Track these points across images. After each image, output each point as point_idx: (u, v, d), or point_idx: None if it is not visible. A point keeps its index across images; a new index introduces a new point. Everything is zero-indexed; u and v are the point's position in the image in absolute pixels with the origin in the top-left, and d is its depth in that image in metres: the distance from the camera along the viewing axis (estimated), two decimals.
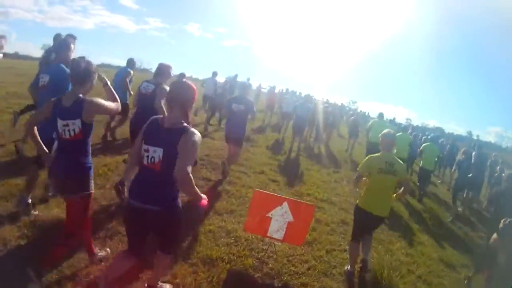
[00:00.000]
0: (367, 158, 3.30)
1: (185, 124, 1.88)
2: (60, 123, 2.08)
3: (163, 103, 3.48)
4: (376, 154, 3.25)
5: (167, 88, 3.36)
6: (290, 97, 11.53)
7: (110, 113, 2.48)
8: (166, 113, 3.38)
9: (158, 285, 2.30)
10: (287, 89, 12.97)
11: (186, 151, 1.78)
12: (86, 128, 2.12)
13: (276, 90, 13.25)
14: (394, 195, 3.27)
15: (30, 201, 3.00)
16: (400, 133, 7.71)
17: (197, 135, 1.86)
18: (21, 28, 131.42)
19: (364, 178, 3.19)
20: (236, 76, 10.18)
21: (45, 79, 3.02)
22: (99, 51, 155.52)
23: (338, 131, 15.37)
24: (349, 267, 3.23)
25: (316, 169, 7.13)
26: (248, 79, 11.48)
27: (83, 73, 2.13)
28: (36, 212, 2.99)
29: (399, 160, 3.23)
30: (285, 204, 2.96)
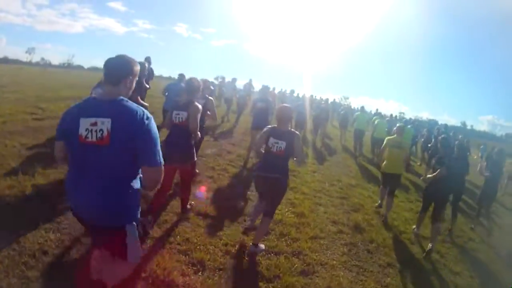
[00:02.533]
0: (387, 138, 5.31)
1: (292, 129, 3.25)
2: (174, 113, 3.26)
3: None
4: (392, 136, 5.27)
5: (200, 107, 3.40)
6: (290, 97, 14.55)
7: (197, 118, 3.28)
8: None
9: (258, 244, 3.20)
10: (291, 90, 15.51)
11: (299, 145, 3.13)
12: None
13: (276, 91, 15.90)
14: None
15: None
16: (378, 119, 10.74)
17: (299, 134, 3.25)
18: (11, 32, 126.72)
19: (382, 148, 5.33)
20: (250, 80, 12.86)
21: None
22: (89, 54, 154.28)
23: (331, 123, 17.72)
24: (379, 202, 5.39)
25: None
26: (251, 80, 12.97)
27: (196, 88, 3.36)
28: None
29: (405, 140, 5.58)
30: None
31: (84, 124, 1.53)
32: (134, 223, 1.64)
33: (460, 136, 11.48)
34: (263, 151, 3.20)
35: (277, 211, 4.19)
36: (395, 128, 5.42)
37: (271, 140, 3.09)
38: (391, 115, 15.05)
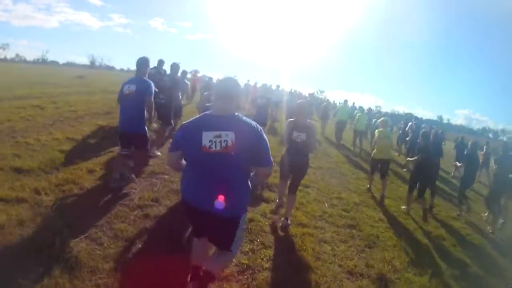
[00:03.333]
0: (377, 131, 6.38)
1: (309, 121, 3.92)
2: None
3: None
4: (381, 129, 6.26)
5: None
6: (276, 91, 14.42)
7: None
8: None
9: (288, 218, 3.74)
10: (277, 85, 15.06)
11: (314, 135, 3.82)
12: None
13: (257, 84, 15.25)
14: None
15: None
16: (360, 113, 11.32)
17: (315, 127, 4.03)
18: None
19: (374, 140, 6.27)
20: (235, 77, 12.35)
21: (132, 88, 3.82)
22: (65, 49, 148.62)
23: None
24: (367, 187, 6.27)
25: None
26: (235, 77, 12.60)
27: None
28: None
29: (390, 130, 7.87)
30: None
31: (207, 136, 1.85)
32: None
33: (433, 127, 12.38)
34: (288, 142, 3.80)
35: (270, 265, 2.92)
36: (379, 121, 6.51)
37: (295, 133, 3.71)
38: (369, 108, 15.64)
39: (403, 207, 5.60)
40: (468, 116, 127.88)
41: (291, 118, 3.92)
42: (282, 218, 3.75)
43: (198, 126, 1.90)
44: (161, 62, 6.77)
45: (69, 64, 64.59)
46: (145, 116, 3.92)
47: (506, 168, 5.95)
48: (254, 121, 6.98)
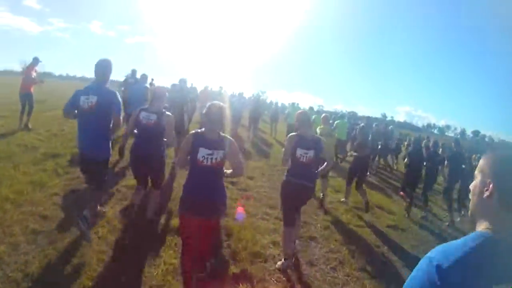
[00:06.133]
0: (318, 128, 5.77)
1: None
2: (204, 152, 2.33)
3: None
4: (322, 126, 5.81)
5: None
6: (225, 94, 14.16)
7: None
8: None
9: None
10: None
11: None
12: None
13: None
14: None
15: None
16: (338, 120, 10.32)
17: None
18: None
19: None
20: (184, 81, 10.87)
21: (92, 100, 2.92)
22: (5, 56, 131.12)
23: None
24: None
25: None
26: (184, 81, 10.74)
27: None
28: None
29: (330, 128, 6.58)
30: None
31: None
32: None
33: (374, 125, 12.49)
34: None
35: None
36: (321, 118, 6.32)
37: (299, 151, 3.21)
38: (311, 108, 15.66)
39: (342, 199, 5.86)
40: (409, 112, 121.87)
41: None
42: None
43: None
44: (134, 72, 7.82)
45: (7, 73, 61.43)
46: (110, 136, 3.11)
47: (458, 162, 6.50)
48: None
